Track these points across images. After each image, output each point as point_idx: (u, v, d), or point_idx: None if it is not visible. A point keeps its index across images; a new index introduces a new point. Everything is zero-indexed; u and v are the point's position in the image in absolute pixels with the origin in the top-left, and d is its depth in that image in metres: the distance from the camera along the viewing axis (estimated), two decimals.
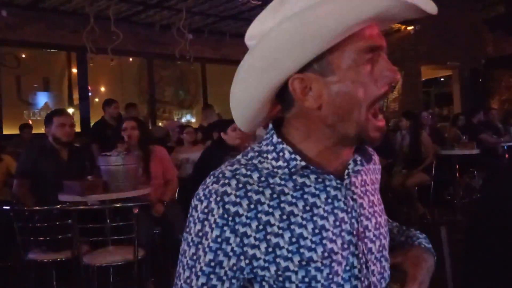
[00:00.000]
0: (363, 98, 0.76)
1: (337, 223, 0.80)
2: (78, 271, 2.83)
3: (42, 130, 4.15)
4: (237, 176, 0.79)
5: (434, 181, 5.15)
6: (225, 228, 0.76)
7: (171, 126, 6.50)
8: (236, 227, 0.76)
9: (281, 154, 0.81)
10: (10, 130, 7.08)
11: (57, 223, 2.79)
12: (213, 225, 0.77)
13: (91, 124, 7.80)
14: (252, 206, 0.77)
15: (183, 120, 9.03)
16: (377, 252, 0.85)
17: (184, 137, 5.00)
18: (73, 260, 2.86)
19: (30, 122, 7.26)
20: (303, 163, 0.79)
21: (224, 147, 3.74)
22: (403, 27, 9.58)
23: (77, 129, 7.12)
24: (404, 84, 9.86)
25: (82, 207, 2.93)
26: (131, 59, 8.58)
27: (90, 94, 8.12)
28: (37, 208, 3.02)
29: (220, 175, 0.80)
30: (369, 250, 0.83)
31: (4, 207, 2.94)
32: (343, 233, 0.80)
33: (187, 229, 0.81)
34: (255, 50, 0.76)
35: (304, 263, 0.76)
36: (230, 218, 0.76)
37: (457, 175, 5.59)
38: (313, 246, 0.77)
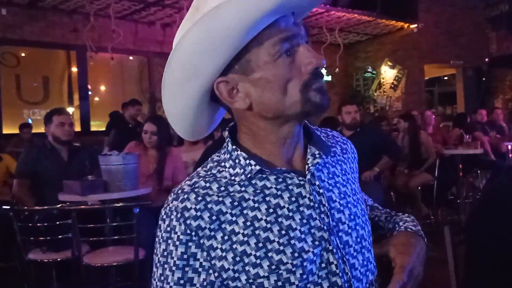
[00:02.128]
0: (290, 88, 0.76)
1: (304, 221, 0.78)
2: (79, 271, 2.81)
3: (42, 129, 4.12)
4: (196, 190, 0.78)
5: (437, 181, 5.12)
6: (190, 244, 0.76)
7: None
8: (201, 241, 0.75)
9: (237, 161, 0.80)
10: (9, 129, 7.06)
11: (57, 223, 2.77)
12: (177, 243, 0.76)
13: (91, 123, 7.83)
14: (214, 217, 0.76)
15: None
16: (356, 244, 0.82)
17: None
18: (74, 260, 2.83)
19: (30, 121, 7.24)
20: (257, 167, 0.78)
21: None
22: (406, 25, 9.57)
23: (77, 128, 7.13)
24: (407, 83, 9.84)
25: (82, 207, 2.91)
26: (131, 58, 8.56)
27: (90, 93, 8.10)
28: (37, 208, 3.01)
29: (180, 191, 0.79)
30: (345, 243, 0.81)
31: (4, 207, 2.92)
32: (312, 230, 0.78)
33: (155, 250, 0.81)
34: (172, 61, 0.76)
35: (274, 267, 0.74)
36: (193, 233, 0.75)
37: (461, 175, 5.56)
38: (281, 248, 0.75)
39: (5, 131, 7.09)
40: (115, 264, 2.80)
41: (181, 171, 3.75)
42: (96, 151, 4.20)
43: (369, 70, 10.56)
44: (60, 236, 2.77)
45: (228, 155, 0.82)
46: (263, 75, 0.75)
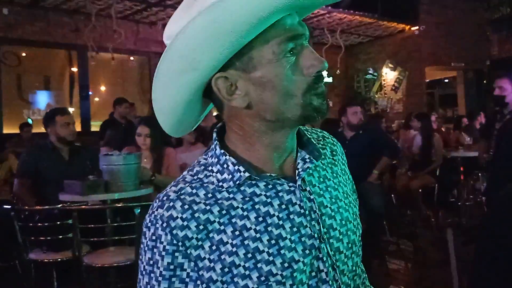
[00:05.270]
0: (292, 90, 0.73)
1: (295, 229, 0.75)
2: (79, 272, 2.80)
3: (42, 129, 4.12)
4: (182, 197, 0.75)
5: (438, 183, 5.12)
6: (177, 254, 0.73)
7: None
8: (188, 251, 0.72)
9: (225, 166, 0.77)
10: (10, 129, 7.06)
11: (58, 223, 2.76)
12: (163, 253, 0.73)
13: (91, 123, 7.82)
14: (201, 227, 0.73)
15: None
16: (347, 250, 0.80)
17: (184, 137, 4.93)
18: (74, 261, 2.83)
19: (31, 121, 7.24)
20: (246, 174, 0.75)
21: None
22: (407, 27, 9.57)
23: (77, 128, 7.13)
24: (408, 85, 9.84)
25: (83, 207, 2.91)
26: (132, 58, 8.56)
27: (90, 93, 8.10)
28: (37, 207, 3.00)
29: (165, 198, 0.76)
30: (336, 249, 0.78)
31: (5, 207, 2.92)
32: (303, 238, 0.75)
33: (140, 256, 0.78)
34: (171, 51, 0.72)
35: (263, 278, 0.72)
36: (180, 243, 0.72)
37: (462, 177, 5.56)
38: (271, 258, 0.73)
39: (6, 130, 7.08)
40: (115, 264, 2.79)
41: (174, 170, 3.71)
42: (96, 151, 4.20)
43: (370, 72, 10.56)
44: (60, 236, 2.77)
45: (216, 159, 0.78)
46: (265, 73, 0.72)
